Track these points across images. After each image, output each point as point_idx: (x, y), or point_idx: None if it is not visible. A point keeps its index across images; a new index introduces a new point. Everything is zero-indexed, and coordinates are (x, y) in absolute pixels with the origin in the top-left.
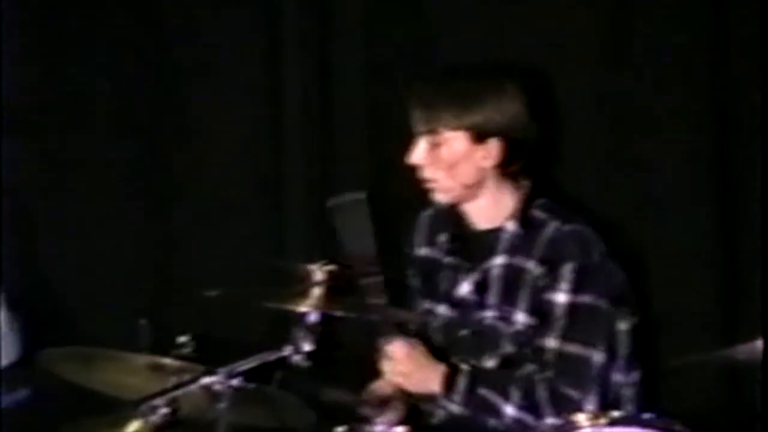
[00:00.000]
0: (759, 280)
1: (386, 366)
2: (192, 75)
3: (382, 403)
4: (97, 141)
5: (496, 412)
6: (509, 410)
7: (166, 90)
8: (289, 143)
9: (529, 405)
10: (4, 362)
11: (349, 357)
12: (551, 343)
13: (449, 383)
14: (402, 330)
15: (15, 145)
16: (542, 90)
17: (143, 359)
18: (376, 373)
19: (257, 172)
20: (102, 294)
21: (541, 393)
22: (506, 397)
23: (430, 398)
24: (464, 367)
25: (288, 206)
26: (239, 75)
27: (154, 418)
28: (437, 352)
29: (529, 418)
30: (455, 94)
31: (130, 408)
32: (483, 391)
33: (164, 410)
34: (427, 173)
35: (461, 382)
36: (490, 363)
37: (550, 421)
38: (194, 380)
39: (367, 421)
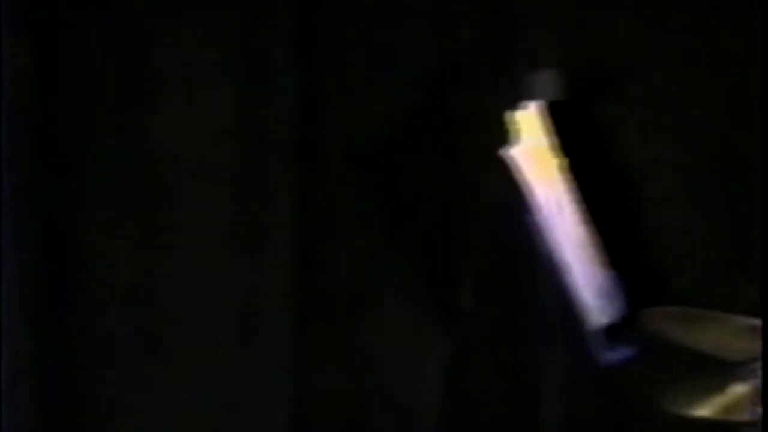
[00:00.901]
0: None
1: None
2: None
3: None
4: None
5: None
6: None
7: None
8: None
9: None
10: (608, 321)
11: None
12: None
13: None
14: None
15: None
16: None
17: (745, 321)
18: None
19: None
20: (702, 255)
21: None
22: None
23: None
24: None
25: None
26: None
27: (756, 382)
28: None
29: None
30: None
31: (731, 370)
32: None
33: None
34: None
35: None
36: None
37: None
38: None
39: None
